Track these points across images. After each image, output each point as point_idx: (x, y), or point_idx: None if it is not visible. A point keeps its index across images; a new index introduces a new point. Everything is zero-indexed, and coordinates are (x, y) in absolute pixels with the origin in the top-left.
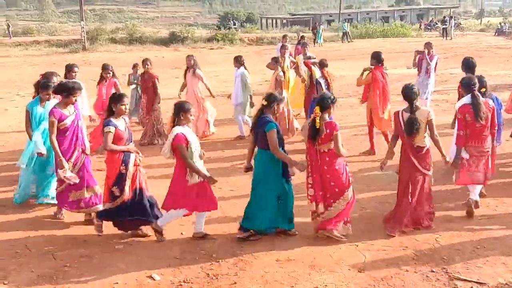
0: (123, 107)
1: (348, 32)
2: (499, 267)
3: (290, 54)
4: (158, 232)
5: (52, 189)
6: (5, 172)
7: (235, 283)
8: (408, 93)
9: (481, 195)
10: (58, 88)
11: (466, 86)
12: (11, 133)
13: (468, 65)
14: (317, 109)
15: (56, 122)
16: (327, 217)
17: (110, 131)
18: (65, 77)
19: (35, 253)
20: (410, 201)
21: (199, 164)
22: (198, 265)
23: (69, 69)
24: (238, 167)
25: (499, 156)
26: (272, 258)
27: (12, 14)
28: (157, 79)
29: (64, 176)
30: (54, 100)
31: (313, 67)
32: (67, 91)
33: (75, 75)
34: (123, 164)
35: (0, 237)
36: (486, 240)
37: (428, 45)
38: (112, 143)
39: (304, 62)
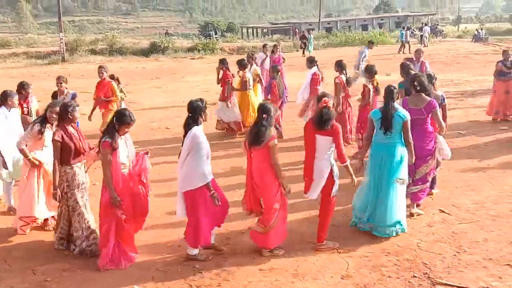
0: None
1: (409, 42)
2: (480, 271)
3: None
4: None
5: None
6: None
7: None
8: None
9: None
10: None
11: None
12: None
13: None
14: None
15: None
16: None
17: None
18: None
19: (15, 268)
20: None
21: None
22: (181, 277)
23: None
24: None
25: None
26: (255, 267)
27: None
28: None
29: None
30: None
31: None
32: None
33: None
34: None
35: None
36: (467, 244)
37: (418, 51)
38: None
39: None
